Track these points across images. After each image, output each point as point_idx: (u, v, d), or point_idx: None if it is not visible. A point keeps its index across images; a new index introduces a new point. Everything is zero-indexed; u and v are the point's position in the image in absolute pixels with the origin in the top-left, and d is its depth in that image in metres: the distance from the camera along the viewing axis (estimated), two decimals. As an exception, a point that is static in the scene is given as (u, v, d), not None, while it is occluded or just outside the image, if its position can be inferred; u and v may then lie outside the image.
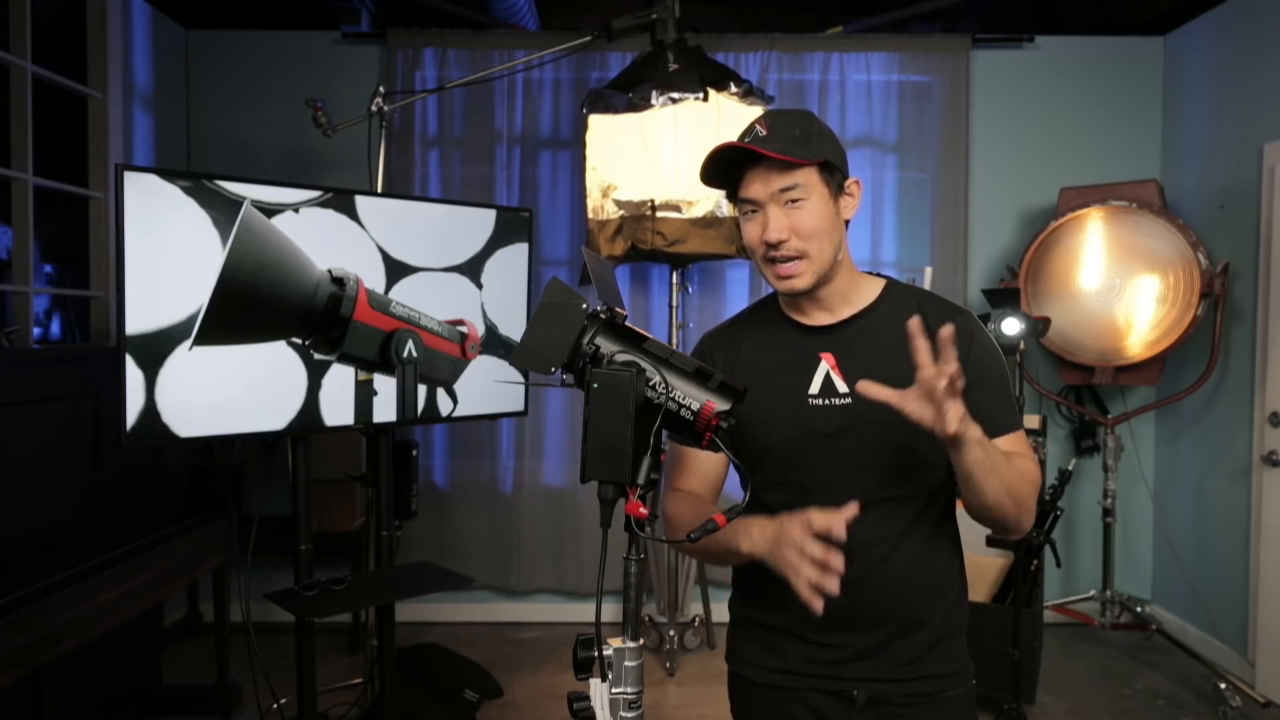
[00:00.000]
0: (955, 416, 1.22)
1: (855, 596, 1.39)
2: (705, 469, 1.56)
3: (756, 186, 1.40)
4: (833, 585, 1.21)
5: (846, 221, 1.46)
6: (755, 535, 1.33)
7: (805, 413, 1.45)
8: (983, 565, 3.54)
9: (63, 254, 4.33)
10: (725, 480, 1.60)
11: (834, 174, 1.41)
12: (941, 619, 1.47)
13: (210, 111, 4.36)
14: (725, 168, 1.42)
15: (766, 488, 1.47)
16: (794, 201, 1.38)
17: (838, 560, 1.22)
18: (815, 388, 1.45)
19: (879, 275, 1.54)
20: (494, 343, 2.92)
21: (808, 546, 1.23)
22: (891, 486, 1.43)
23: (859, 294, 1.49)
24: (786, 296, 1.49)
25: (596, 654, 1.17)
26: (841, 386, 1.44)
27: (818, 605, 1.22)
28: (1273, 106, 3.60)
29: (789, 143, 1.38)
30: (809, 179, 1.38)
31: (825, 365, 1.45)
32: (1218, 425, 3.93)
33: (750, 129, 1.41)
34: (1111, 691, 3.64)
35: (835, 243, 1.42)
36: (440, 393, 2.79)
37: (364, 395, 2.61)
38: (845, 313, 1.48)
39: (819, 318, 1.49)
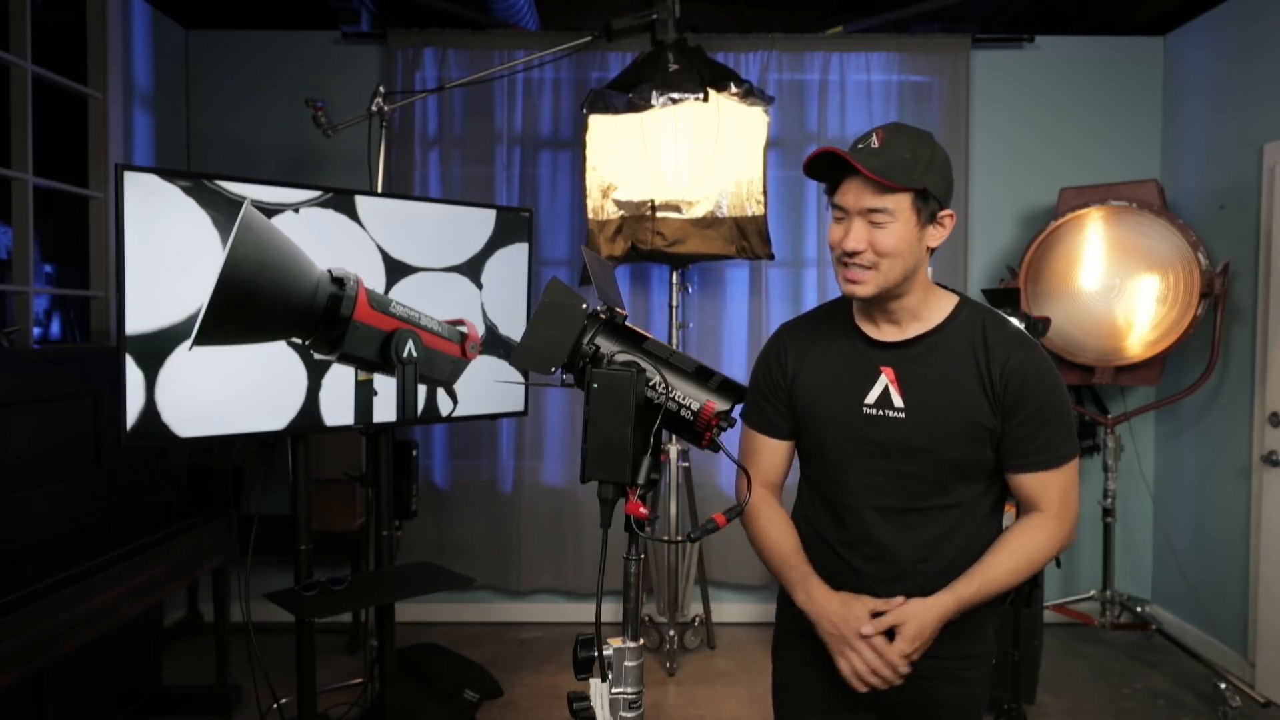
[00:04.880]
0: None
1: (891, 590, 1.52)
2: (774, 457, 1.66)
3: (849, 197, 1.45)
4: (876, 682, 1.46)
5: (932, 248, 1.51)
6: (817, 600, 1.52)
7: (859, 420, 1.53)
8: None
9: (63, 254, 4.33)
10: (790, 467, 1.70)
11: (928, 202, 1.45)
12: (966, 613, 1.53)
13: (210, 111, 4.36)
14: (829, 164, 1.46)
15: (821, 483, 1.60)
16: (878, 222, 1.43)
17: (887, 670, 1.46)
18: (872, 398, 1.53)
19: (952, 291, 1.59)
20: (494, 343, 2.92)
21: (860, 647, 1.46)
22: (933, 497, 1.52)
23: (929, 311, 1.54)
24: (856, 300, 1.56)
25: (597, 654, 1.17)
26: (897, 400, 1.51)
27: (859, 687, 1.46)
28: (1273, 106, 3.60)
29: (893, 163, 1.41)
30: (899, 204, 1.42)
31: (885, 379, 1.52)
32: (1218, 425, 3.93)
33: (867, 136, 1.46)
34: (1111, 691, 3.64)
35: (908, 265, 1.46)
36: (440, 393, 2.79)
37: (364, 395, 2.61)
38: (913, 330, 1.53)
39: (888, 332, 1.55)
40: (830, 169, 1.47)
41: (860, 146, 1.45)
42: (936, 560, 1.52)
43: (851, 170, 1.43)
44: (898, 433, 1.50)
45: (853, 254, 1.45)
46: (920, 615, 1.46)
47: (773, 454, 1.66)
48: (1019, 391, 1.48)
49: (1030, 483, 1.52)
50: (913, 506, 1.52)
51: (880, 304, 1.51)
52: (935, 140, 1.49)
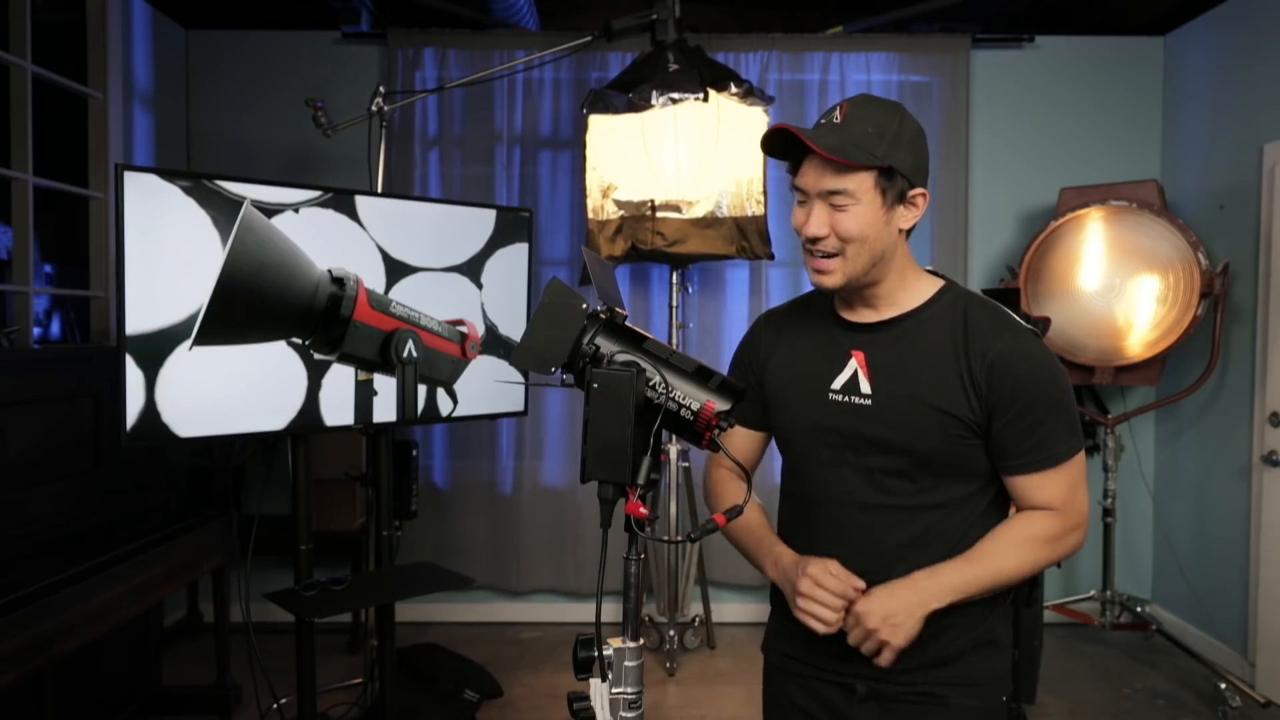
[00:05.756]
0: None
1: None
2: (740, 448, 1.57)
3: (808, 178, 1.35)
4: (820, 629, 1.35)
5: (909, 230, 1.40)
6: (780, 565, 1.43)
7: (824, 407, 1.43)
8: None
9: (63, 254, 4.32)
10: (762, 457, 1.62)
11: (894, 181, 1.33)
12: (954, 635, 1.41)
13: (210, 111, 4.36)
14: (789, 143, 1.35)
15: (791, 477, 1.52)
16: (839, 205, 1.33)
17: (831, 614, 1.34)
18: (839, 383, 1.42)
19: (940, 276, 1.47)
20: (494, 343, 2.92)
21: (813, 594, 1.34)
22: (909, 494, 1.39)
23: (908, 296, 1.43)
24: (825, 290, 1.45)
25: (597, 654, 1.17)
26: (865, 387, 1.40)
27: (819, 628, 1.35)
28: (1273, 106, 3.60)
29: (852, 140, 1.30)
30: (861, 185, 1.31)
31: (854, 363, 1.42)
32: (1218, 425, 3.93)
33: (831, 110, 1.35)
34: (1111, 691, 3.64)
35: (876, 250, 1.35)
36: (440, 393, 2.79)
37: (364, 395, 2.61)
38: (890, 313, 1.43)
39: (864, 315, 1.44)
40: (791, 148, 1.35)
41: (822, 122, 1.34)
42: (917, 565, 1.36)
43: (808, 150, 1.32)
44: (863, 422, 1.38)
45: (815, 240, 1.35)
46: (885, 604, 1.32)
47: (738, 439, 1.56)
48: (1005, 386, 1.33)
49: (1026, 485, 1.38)
50: (885, 504, 1.39)
51: (855, 290, 1.41)
52: (905, 112, 1.35)
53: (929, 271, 1.47)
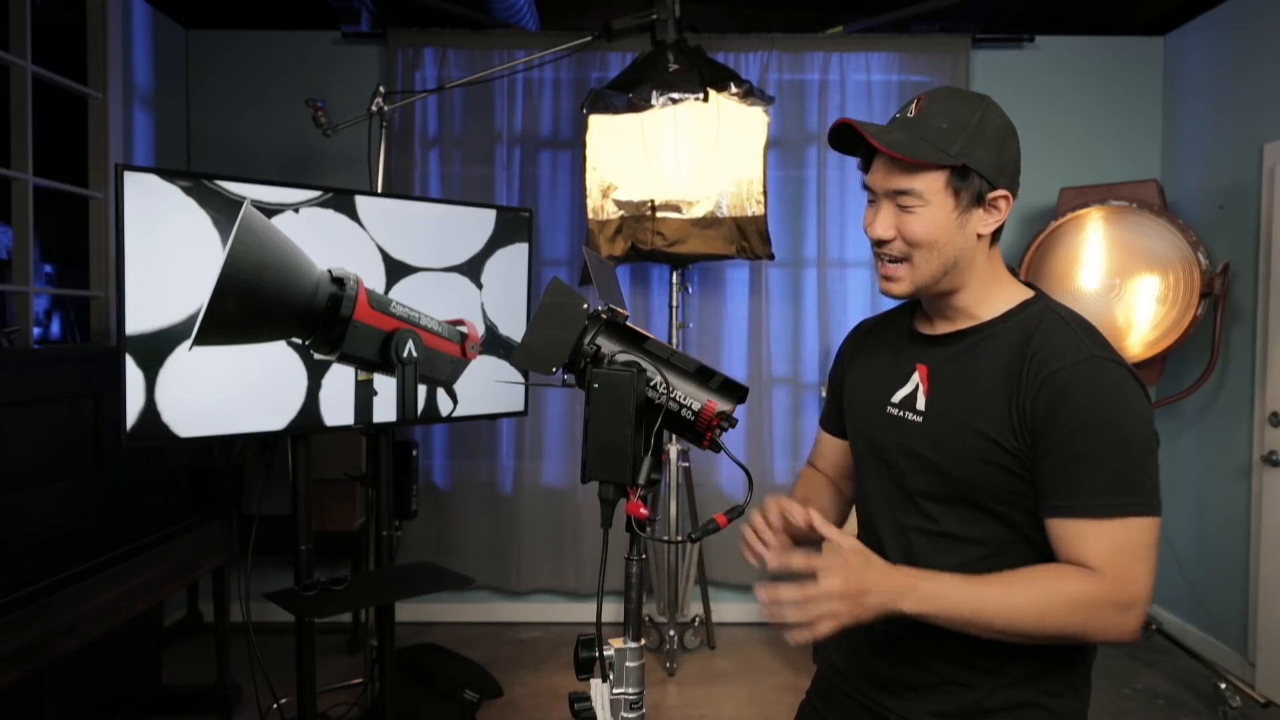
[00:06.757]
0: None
1: (888, 628, 1.29)
2: (828, 451, 1.58)
3: (876, 177, 1.26)
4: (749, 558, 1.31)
5: (995, 234, 1.28)
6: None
7: (883, 420, 1.37)
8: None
9: (63, 254, 4.33)
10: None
11: (969, 181, 1.21)
12: (996, 684, 1.28)
13: (210, 111, 4.36)
14: (861, 137, 1.25)
15: (855, 485, 1.50)
16: (906, 206, 1.23)
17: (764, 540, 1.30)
18: (899, 397, 1.35)
19: (1033, 288, 1.35)
20: (494, 343, 2.92)
21: (753, 520, 1.33)
22: (944, 523, 1.29)
23: (987, 308, 1.30)
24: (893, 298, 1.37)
25: (598, 654, 1.17)
26: (921, 403, 1.31)
27: (748, 557, 1.32)
28: (1273, 106, 3.60)
29: (924, 136, 1.21)
30: (930, 185, 1.21)
31: (917, 377, 1.34)
32: (1218, 425, 3.93)
33: (907, 104, 1.26)
34: (1112, 691, 3.64)
35: (947, 256, 1.24)
36: (440, 393, 2.79)
37: (364, 395, 2.61)
38: (963, 326, 1.32)
39: (939, 326, 1.35)
40: (862, 143, 1.25)
41: (896, 116, 1.26)
42: None
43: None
44: (911, 439, 1.30)
45: (881, 243, 1.26)
46: (858, 568, 1.15)
47: (827, 448, 1.56)
48: (1050, 410, 1.17)
49: (1059, 532, 1.17)
50: (923, 528, 1.29)
51: (931, 300, 1.32)
52: (991, 105, 1.25)
53: (1025, 284, 1.35)
